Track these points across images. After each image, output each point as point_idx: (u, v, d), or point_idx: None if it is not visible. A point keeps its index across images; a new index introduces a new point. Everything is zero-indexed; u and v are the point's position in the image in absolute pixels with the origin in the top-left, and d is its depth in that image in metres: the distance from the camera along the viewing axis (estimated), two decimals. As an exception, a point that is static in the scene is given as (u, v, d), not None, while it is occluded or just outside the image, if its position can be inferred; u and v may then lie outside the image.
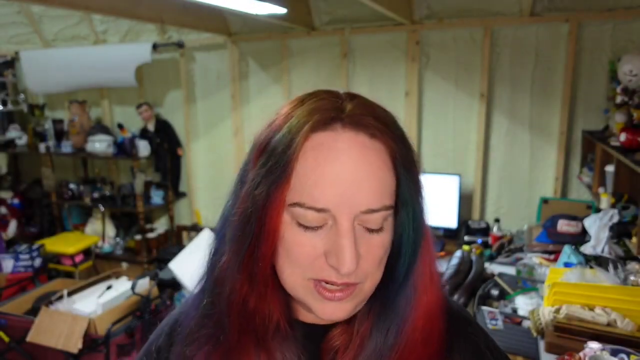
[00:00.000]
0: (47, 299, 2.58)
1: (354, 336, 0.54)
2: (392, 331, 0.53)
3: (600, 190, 2.33)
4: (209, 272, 0.57)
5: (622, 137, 1.89)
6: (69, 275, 3.65)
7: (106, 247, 3.93)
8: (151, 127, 3.79)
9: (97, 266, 3.80)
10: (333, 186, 0.47)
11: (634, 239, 1.90)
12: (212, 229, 3.25)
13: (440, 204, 2.91)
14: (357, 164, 0.47)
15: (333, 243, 0.48)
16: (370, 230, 0.49)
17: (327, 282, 0.49)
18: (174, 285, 2.97)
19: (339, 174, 0.47)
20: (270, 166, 0.48)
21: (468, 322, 0.61)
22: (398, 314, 0.53)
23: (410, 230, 0.52)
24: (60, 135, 4.05)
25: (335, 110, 0.49)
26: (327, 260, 0.48)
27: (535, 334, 1.50)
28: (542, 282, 1.86)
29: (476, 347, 0.59)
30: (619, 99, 2.14)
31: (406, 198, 0.51)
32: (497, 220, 2.81)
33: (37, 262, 3.37)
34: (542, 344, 1.45)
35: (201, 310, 0.57)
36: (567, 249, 1.87)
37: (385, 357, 0.53)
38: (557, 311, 1.43)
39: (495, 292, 2.04)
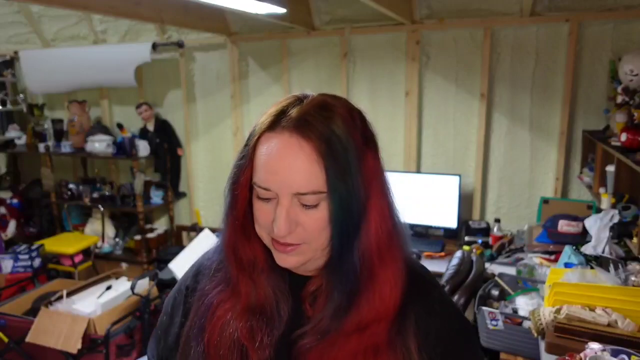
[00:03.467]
0: (46, 299, 2.58)
1: (321, 290, 0.70)
2: (345, 283, 0.66)
3: (601, 190, 2.33)
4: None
5: (623, 137, 1.89)
6: (68, 275, 3.64)
7: (106, 247, 3.92)
8: (151, 127, 3.79)
9: (96, 266, 3.80)
10: (271, 173, 0.63)
11: (635, 239, 1.89)
12: (211, 229, 3.26)
13: (440, 204, 2.90)
14: (289, 157, 0.62)
15: (275, 213, 0.64)
16: (306, 207, 0.64)
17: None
18: (174, 285, 2.96)
19: (275, 164, 0.63)
20: (242, 155, 0.69)
21: (428, 282, 0.74)
22: (345, 271, 0.66)
23: (337, 208, 0.63)
24: (59, 135, 4.04)
25: (282, 114, 0.65)
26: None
27: (535, 335, 1.50)
28: (543, 282, 1.86)
29: (427, 300, 0.71)
30: (619, 99, 2.14)
31: (333, 185, 0.63)
32: (497, 221, 2.80)
33: (37, 262, 3.36)
34: (542, 345, 1.44)
35: (218, 258, 0.78)
36: (567, 249, 1.87)
37: (343, 310, 0.66)
38: (558, 311, 1.43)
39: (495, 293, 2.04)
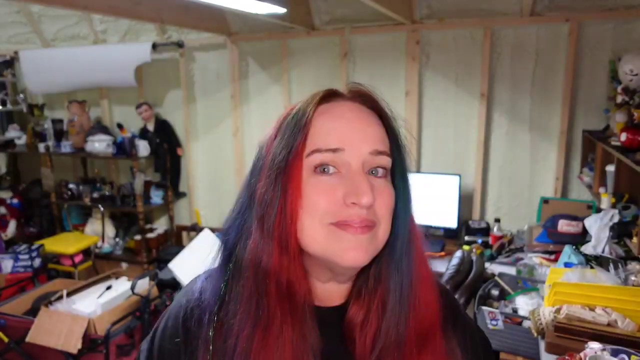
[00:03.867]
0: (46, 299, 2.58)
1: (372, 304, 0.59)
2: (405, 285, 0.59)
3: (601, 190, 2.33)
4: (227, 259, 0.61)
5: (623, 137, 1.89)
6: (68, 275, 3.64)
7: (106, 247, 3.92)
8: (151, 127, 3.79)
9: (96, 266, 3.80)
10: (343, 132, 0.57)
11: (635, 239, 1.89)
12: (211, 229, 3.26)
13: (440, 204, 2.90)
14: (358, 118, 0.59)
15: (350, 183, 0.55)
16: (377, 177, 0.58)
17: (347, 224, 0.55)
18: (174, 285, 2.96)
19: (347, 124, 0.58)
20: (289, 134, 0.57)
21: (459, 306, 0.72)
22: (404, 268, 0.59)
23: (402, 187, 0.60)
24: (59, 135, 4.04)
25: (333, 91, 0.62)
26: (345, 201, 0.55)
27: (535, 334, 1.50)
28: (543, 282, 1.86)
29: (471, 327, 0.70)
30: (619, 99, 2.14)
31: (395, 157, 0.60)
32: (497, 220, 2.80)
33: (37, 262, 3.36)
34: (542, 344, 1.44)
35: (225, 296, 0.59)
36: (567, 249, 1.87)
37: (403, 316, 0.58)
38: (558, 311, 1.43)
39: (495, 292, 2.04)
